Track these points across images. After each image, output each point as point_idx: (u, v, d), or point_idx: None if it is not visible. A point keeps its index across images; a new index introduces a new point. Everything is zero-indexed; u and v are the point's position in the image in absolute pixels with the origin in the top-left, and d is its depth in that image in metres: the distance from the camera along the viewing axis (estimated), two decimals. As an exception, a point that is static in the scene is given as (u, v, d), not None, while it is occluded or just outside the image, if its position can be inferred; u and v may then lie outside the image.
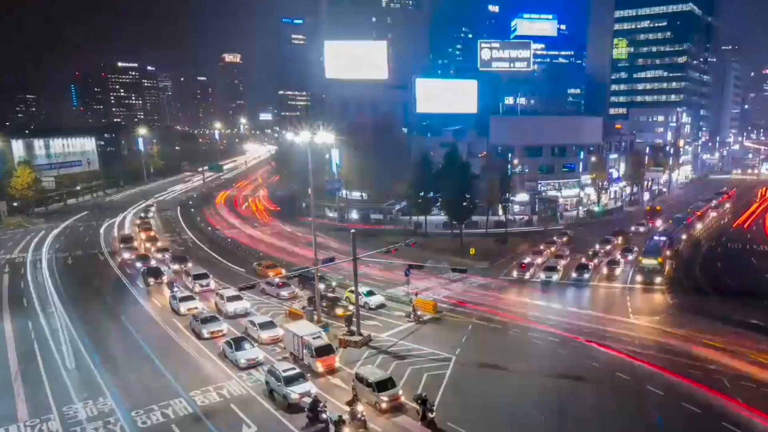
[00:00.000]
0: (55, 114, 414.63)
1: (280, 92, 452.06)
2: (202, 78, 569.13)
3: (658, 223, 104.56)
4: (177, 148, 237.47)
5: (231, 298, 59.09)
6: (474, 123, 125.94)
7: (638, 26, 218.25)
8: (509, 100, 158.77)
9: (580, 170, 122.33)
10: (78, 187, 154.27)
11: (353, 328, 51.20)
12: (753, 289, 65.54)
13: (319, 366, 43.87)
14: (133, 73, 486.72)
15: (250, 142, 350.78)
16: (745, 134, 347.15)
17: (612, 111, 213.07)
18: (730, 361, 44.72)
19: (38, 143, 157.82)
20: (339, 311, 57.40)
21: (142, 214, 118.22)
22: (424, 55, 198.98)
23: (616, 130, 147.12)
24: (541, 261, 77.82)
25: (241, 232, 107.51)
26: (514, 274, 73.54)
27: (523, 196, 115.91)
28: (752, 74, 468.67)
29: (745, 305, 58.88)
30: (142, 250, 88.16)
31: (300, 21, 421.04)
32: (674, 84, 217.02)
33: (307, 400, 36.94)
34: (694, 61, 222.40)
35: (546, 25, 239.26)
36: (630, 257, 78.88)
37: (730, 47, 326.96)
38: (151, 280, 70.50)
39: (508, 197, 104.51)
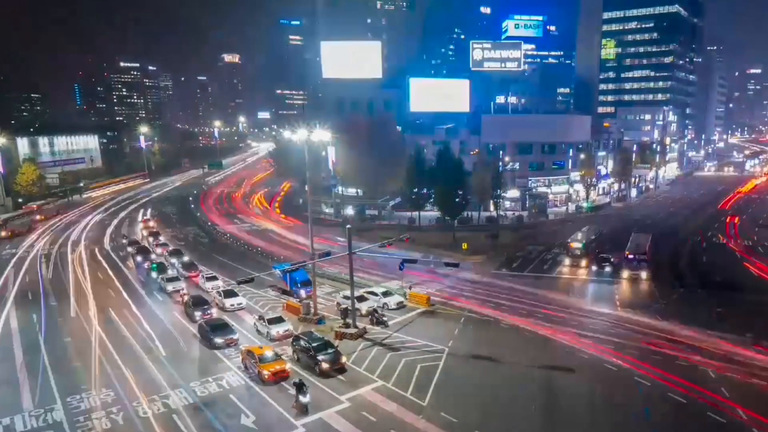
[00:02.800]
0: (59, 113, 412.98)
1: (278, 91, 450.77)
2: (202, 78, 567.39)
3: None
4: (178, 145, 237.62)
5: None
6: (466, 121, 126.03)
7: (626, 27, 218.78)
8: (500, 99, 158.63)
9: (570, 167, 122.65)
10: (81, 184, 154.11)
11: (349, 321, 51.28)
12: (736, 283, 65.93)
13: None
14: (135, 72, 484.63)
15: (249, 140, 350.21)
16: (729, 132, 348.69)
17: (600, 110, 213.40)
18: (716, 353, 44.85)
19: (43, 141, 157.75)
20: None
21: None
22: (418, 55, 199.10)
23: (605, 129, 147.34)
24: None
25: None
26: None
27: (514, 193, 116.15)
28: (737, 74, 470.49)
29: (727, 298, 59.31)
30: None
31: (297, 22, 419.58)
32: (661, 83, 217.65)
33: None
34: (680, 61, 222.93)
35: (532, 32, 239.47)
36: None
37: (715, 48, 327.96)
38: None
39: (500, 193, 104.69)
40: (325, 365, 42.08)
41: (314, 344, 43.77)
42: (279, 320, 51.15)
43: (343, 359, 43.55)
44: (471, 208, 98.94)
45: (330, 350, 43.61)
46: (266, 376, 40.53)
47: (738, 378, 40.10)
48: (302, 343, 44.76)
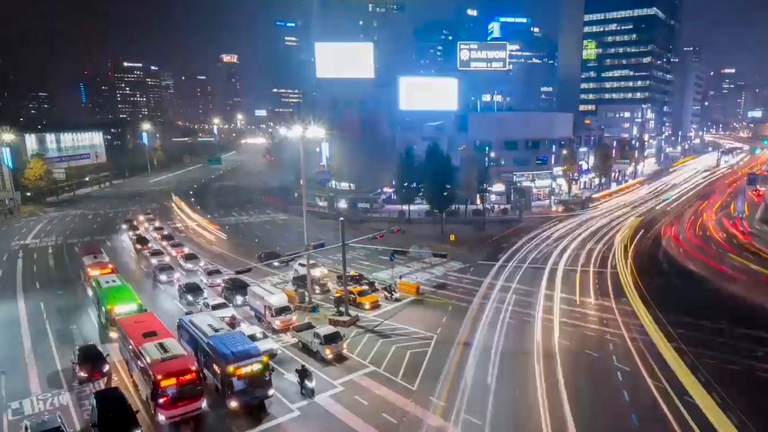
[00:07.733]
0: (66, 110, 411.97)
1: (275, 90, 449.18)
2: (202, 77, 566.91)
3: None
4: (179, 141, 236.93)
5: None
6: (454, 119, 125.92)
7: (606, 29, 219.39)
8: (487, 98, 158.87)
9: (553, 162, 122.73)
10: (87, 178, 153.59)
11: (342, 309, 51.36)
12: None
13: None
14: (138, 72, 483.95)
15: (247, 137, 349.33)
16: (705, 129, 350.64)
17: (582, 108, 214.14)
18: (691, 340, 45.11)
19: (50, 137, 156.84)
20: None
21: None
22: (408, 55, 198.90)
23: (586, 126, 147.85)
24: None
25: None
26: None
27: (499, 187, 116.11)
28: (712, 73, 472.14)
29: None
30: None
31: (293, 24, 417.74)
32: (639, 83, 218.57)
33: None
34: (658, 62, 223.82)
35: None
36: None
37: (691, 48, 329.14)
38: None
39: (486, 188, 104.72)
40: None
41: None
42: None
43: None
44: (458, 202, 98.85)
45: None
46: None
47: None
48: None
